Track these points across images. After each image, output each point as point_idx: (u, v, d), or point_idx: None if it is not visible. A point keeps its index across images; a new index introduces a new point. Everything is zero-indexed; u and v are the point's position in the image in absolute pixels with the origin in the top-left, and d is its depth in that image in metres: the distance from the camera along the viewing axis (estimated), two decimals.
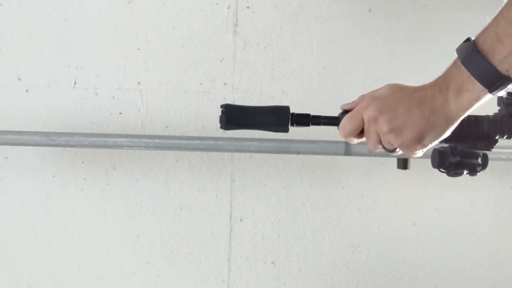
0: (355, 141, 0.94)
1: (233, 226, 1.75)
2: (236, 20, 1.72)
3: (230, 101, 1.71)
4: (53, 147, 1.68)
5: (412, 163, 1.58)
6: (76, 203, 1.73)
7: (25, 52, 1.69)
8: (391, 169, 1.74)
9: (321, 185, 1.76)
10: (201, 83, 1.72)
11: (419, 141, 0.86)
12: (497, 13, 0.77)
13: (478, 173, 1.00)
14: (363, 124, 0.90)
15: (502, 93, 0.80)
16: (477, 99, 0.80)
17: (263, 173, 1.75)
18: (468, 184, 1.78)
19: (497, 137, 1.00)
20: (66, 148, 1.70)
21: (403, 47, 1.75)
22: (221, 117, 0.95)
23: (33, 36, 1.69)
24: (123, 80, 1.71)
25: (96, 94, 1.71)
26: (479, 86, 0.79)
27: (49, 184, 1.72)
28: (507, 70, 0.77)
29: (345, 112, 0.94)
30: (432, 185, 1.78)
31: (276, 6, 1.73)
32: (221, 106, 0.95)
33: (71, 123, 1.70)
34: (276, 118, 0.96)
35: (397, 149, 0.91)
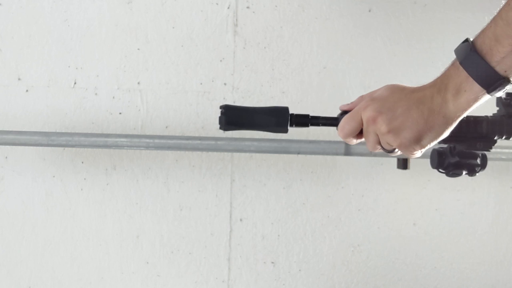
0: (354, 141, 0.94)
1: (233, 226, 1.76)
2: (236, 20, 1.72)
3: (230, 101, 1.71)
4: (53, 147, 1.68)
5: (412, 163, 1.58)
6: (76, 203, 1.73)
7: (25, 52, 1.69)
8: (391, 169, 1.74)
9: (321, 185, 1.76)
10: (201, 83, 1.72)
11: (418, 141, 0.86)
12: (495, 14, 0.77)
13: (477, 174, 1.00)
14: (362, 124, 0.90)
15: (501, 93, 0.80)
16: (476, 99, 0.80)
17: (263, 173, 1.75)
18: (468, 184, 1.78)
19: (496, 138, 1.00)
20: (66, 148, 1.70)
21: (403, 47, 1.75)
22: (220, 118, 0.95)
23: (33, 36, 1.69)
24: (123, 80, 1.71)
25: (96, 94, 1.71)
26: (477, 87, 0.79)
27: (49, 184, 1.72)
28: (505, 71, 0.77)
29: (344, 112, 0.94)
30: (432, 185, 1.78)
31: (276, 6, 1.73)
32: (221, 107, 0.96)
33: (71, 123, 1.70)
34: (276, 118, 0.96)
35: (396, 150, 0.91)
